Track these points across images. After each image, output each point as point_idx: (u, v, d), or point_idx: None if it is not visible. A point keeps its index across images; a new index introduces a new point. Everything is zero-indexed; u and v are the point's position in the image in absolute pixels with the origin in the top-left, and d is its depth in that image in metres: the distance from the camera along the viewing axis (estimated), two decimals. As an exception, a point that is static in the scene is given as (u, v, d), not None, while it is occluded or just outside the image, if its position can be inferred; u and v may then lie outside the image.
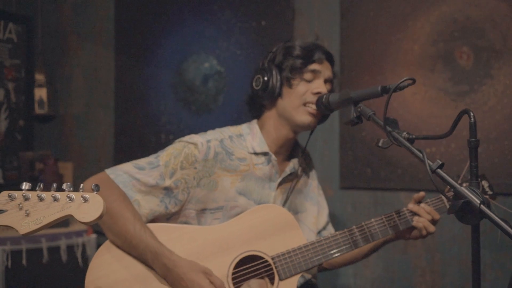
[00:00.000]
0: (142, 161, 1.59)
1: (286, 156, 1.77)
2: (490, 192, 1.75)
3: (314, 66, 1.64)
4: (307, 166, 1.88)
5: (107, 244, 1.54)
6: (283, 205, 1.75)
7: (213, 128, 3.11)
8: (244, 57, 2.91)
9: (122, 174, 1.56)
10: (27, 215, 1.04)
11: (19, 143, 3.19)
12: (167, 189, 1.57)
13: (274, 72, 1.64)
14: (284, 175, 1.73)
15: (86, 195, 1.05)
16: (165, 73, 3.10)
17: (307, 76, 1.63)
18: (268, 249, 1.58)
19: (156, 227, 1.54)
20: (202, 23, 3.00)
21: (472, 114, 1.10)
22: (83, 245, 2.76)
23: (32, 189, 1.07)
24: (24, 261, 2.63)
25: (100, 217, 1.04)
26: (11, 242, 2.60)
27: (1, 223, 1.05)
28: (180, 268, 1.46)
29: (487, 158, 2.39)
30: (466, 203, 1.07)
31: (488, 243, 2.36)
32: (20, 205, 1.05)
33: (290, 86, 1.63)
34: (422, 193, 1.68)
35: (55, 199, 1.05)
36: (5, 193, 1.07)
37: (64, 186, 1.06)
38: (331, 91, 1.70)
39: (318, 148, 2.72)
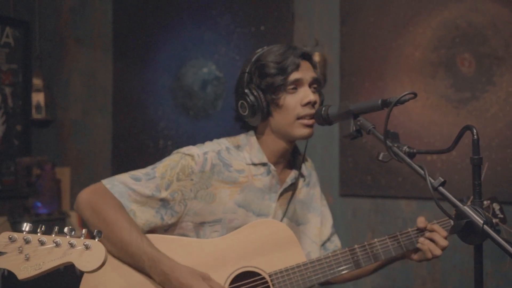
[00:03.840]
0: (138, 172, 1.58)
1: (286, 166, 1.73)
2: (500, 216, 1.68)
3: (293, 76, 1.57)
4: (309, 174, 1.84)
5: None
6: (283, 216, 1.72)
7: (211, 133, 3.07)
8: (243, 62, 2.89)
9: (119, 184, 1.55)
10: (27, 259, 1.03)
11: (16, 148, 3.17)
12: (163, 201, 1.55)
13: (256, 95, 1.58)
14: (285, 185, 1.69)
15: (88, 242, 1.04)
16: (163, 78, 3.09)
17: (290, 87, 1.57)
18: (266, 265, 1.54)
19: (153, 238, 1.53)
20: (201, 28, 2.99)
21: (475, 131, 1.06)
22: (81, 252, 2.74)
23: (34, 231, 1.06)
24: (20, 269, 2.62)
25: (102, 265, 1.03)
26: (8, 249, 2.58)
27: (0, 266, 1.03)
28: (179, 274, 1.44)
29: (489, 166, 2.36)
30: (469, 223, 1.03)
31: (489, 252, 2.33)
32: (20, 248, 1.03)
33: (277, 105, 1.59)
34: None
35: (57, 245, 1.04)
36: (6, 234, 1.05)
37: (65, 230, 1.05)
38: (318, 90, 1.65)
39: (318, 155, 2.69)
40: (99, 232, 1.06)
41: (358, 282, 2.61)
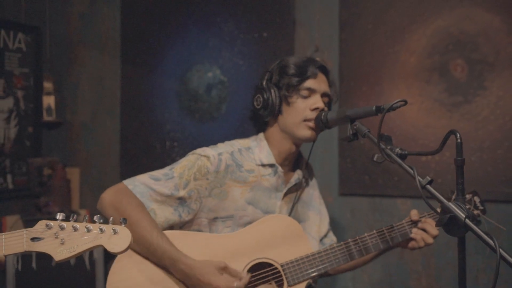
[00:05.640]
0: (157, 173, 1.68)
1: (290, 167, 1.85)
2: (481, 208, 1.82)
3: (309, 83, 1.71)
4: (309, 177, 1.97)
5: None
6: (289, 214, 1.83)
7: (216, 135, 3.18)
8: (247, 67, 3.00)
9: (140, 184, 1.65)
10: (62, 243, 1.14)
11: (28, 149, 3.27)
12: (181, 199, 1.66)
13: (272, 91, 1.71)
14: (289, 185, 1.82)
15: (116, 227, 1.15)
16: (169, 82, 3.18)
17: (304, 93, 1.70)
18: (278, 257, 1.67)
19: (171, 234, 1.63)
20: (206, 34, 3.08)
21: (458, 134, 1.18)
22: (91, 249, 2.84)
23: (66, 219, 1.17)
24: (33, 264, 2.71)
25: (128, 248, 1.15)
26: (21, 246, 2.68)
27: (39, 249, 1.14)
28: (197, 270, 1.55)
29: (481, 167, 2.47)
30: (453, 218, 1.15)
31: (481, 248, 2.44)
32: (56, 234, 1.15)
33: (288, 104, 1.71)
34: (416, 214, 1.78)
35: (88, 230, 1.15)
36: (43, 222, 1.16)
37: (95, 218, 1.17)
38: (329, 103, 1.78)
39: (318, 156, 2.80)
40: (125, 219, 1.17)
41: (356, 277, 2.73)
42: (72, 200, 3.35)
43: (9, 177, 3.16)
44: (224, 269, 1.58)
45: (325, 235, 1.99)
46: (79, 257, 2.82)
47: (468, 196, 1.82)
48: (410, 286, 2.64)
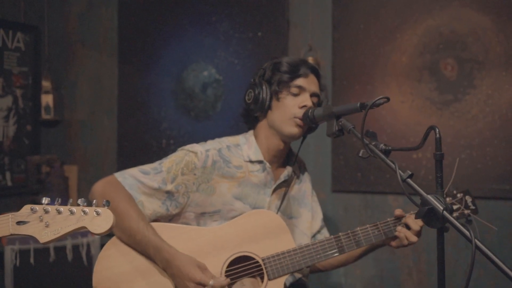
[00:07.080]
0: (147, 167, 1.74)
1: (280, 164, 1.89)
2: (472, 207, 1.81)
3: (299, 82, 1.76)
4: (301, 173, 2.00)
5: (114, 239, 1.68)
6: (278, 210, 1.87)
7: (211, 133, 3.23)
8: (241, 66, 3.04)
9: (129, 177, 1.71)
10: (47, 226, 1.19)
11: (26, 147, 3.31)
12: (169, 193, 1.71)
13: (264, 87, 1.76)
14: (278, 181, 1.86)
15: (99, 209, 1.19)
16: (166, 81, 3.22)
17: (294, 90, 1.75)
18: (260, 251, 1.71)
19: (158, 226, 1.69)
20: (201, 34, 3.13)
21: (437, 130, 1.23)
22: (88, 245, 2.88)
23: (51, 203, 1.21)
24: (31, 260, 2.75)
25: (110, 229, 1.19)
26: (20, 241, 2.72)
27: (25, 232, 1.19)
28: (179, 261, 1.61)
29: (470, 164, 2.52)
30: (431, 210, 1.20)
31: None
32: (41, 217, 1.19)
33: (278, 99, 1.76)
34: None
35: (71, 213, 1.19)
36: (28, 206, 1.21)
37: (79, 201, 1.21)
38: (317, 104, 1.83)
39: (311, 153, 2.85)
40: (107, 201, 1.21)
41: (348, 271, 2.78)
42: (70, 197, 3.39)
43: (8, 175, 3.20)
44: (204, 270, 1.62)
45: (318, 231, 2.01)
46: (76, 253, 2.86)
47: (459, 195, 1.81)
48: (401, 281, 2.69)
